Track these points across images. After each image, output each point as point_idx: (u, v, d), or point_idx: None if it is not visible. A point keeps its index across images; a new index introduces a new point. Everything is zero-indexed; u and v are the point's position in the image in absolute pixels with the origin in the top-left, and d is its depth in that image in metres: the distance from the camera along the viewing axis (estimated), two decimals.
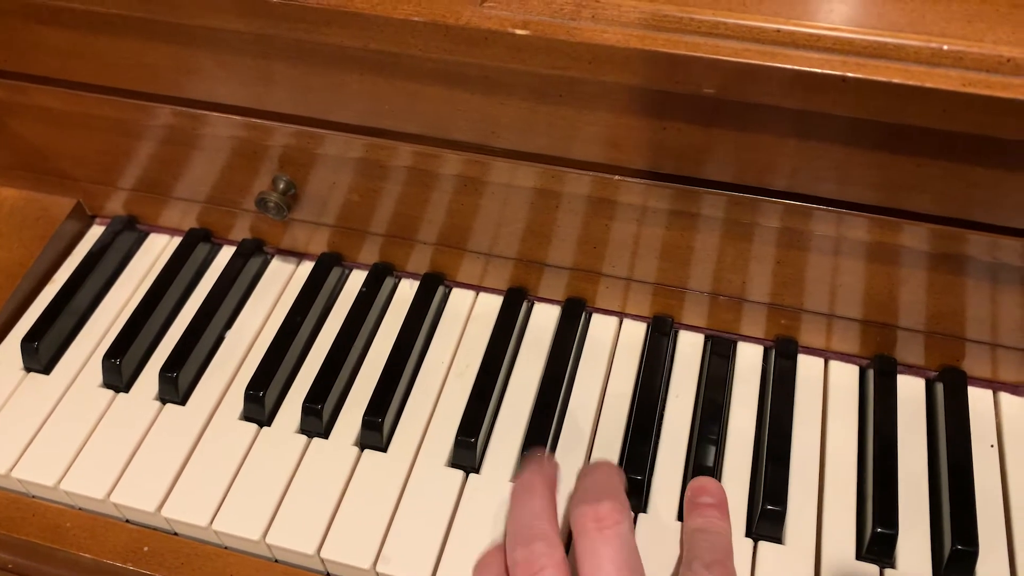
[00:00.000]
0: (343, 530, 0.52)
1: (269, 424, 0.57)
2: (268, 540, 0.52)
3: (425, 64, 0.50)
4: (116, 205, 0.69)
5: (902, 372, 0.58)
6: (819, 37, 0.43)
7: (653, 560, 0.46)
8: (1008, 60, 0.41)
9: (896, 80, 0.42)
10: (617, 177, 0.53)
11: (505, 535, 0.47)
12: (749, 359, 0.60)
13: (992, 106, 0.41)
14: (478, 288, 0.64)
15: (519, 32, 0.45)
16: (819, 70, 0.42)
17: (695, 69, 0.44)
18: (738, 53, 0.43)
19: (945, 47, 0.42)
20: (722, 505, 0.50)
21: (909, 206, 0.49)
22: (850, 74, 0.42)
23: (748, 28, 0.44)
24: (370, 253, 0.65)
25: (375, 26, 0.48)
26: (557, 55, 0.46)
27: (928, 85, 0.41)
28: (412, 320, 0.61)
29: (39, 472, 0.55)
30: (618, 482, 0.48)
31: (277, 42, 0.52)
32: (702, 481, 0.52)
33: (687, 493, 0.51)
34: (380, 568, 0.50)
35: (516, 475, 0.52)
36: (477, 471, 0.54)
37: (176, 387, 0.58)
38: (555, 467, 0.52)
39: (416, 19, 0.47)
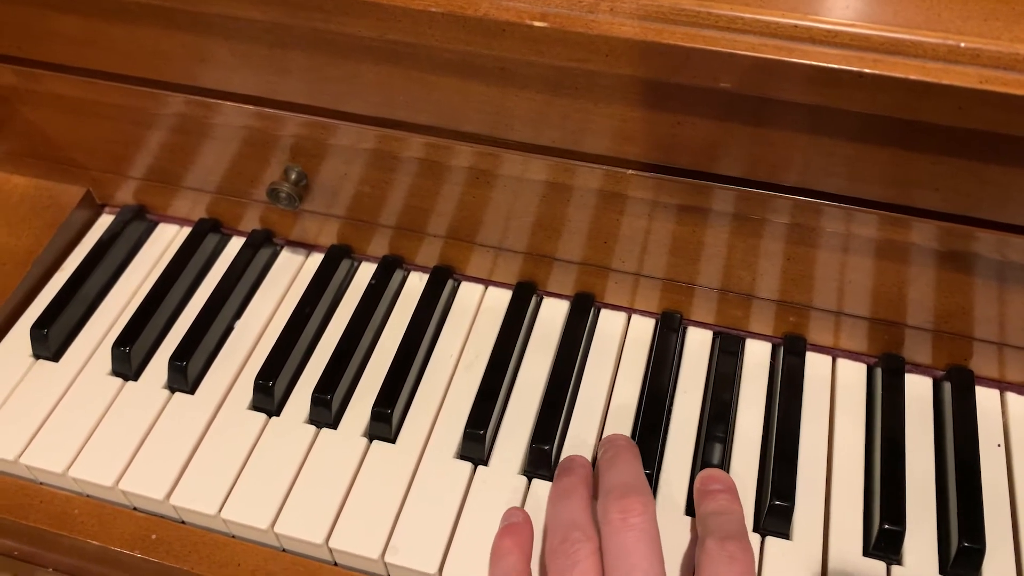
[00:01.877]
0: (351, 520, 0.52)
1: (278, 414, 0.57)
2: (276, 529, 0.52)
3: (441, 55, 0.50)
4: (126, 194, 0.69)
5: (910, 371, 0.58)
6: (836, 33, 0.43)
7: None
8: None
9: (913, 77, 0.42)
10: (629, 171, 0.53)
11: (544, 535, 0.50)
12: (757, 356, 0.60)
13: (1009, 103, 0.41)
14: (487, 282, 0.64)
15: (537, 24, 0.46)
16: (836, 66, 0.43)
17: (712, 64, 0.44)
18: (755, 48, 0.44)
19: (962, 44, 0.42)
20: (732, 491, 0.50)
21: (920, 203, 0.49)
22: (867, 70, 0.42)
23: (766, 23, 0.44)
24: (380, 245, 0.65)
25: (392, 16, 0.48)
26: (574, 48, 0.46)
27: (945, 82, 0.42)
28: (421, 313, 0.61)
29: (47, 459, 0.55)
30: (639, 468, 0.50)
31: (293, 31, 0.52)
32: (710, 471, 0.52)
33: (696, 484, 0.52)
34: (388, 558, 0.50)
35: (554, 476, 0.53)
36: (485, 463, 0.54)
37: (185, 376, 0.58)
38: (589, 469, 0.52)
39: (434, 9, 0.47)
